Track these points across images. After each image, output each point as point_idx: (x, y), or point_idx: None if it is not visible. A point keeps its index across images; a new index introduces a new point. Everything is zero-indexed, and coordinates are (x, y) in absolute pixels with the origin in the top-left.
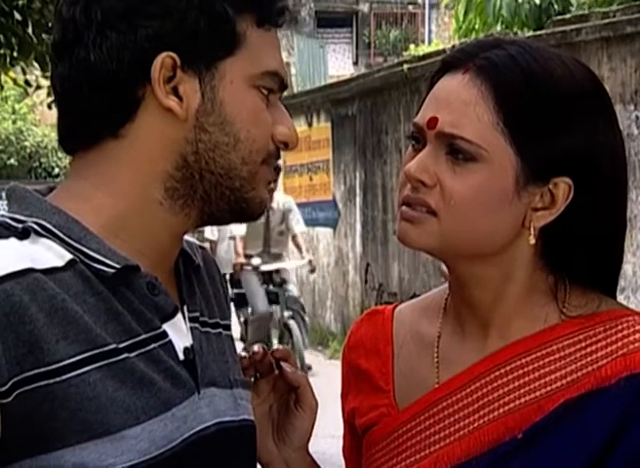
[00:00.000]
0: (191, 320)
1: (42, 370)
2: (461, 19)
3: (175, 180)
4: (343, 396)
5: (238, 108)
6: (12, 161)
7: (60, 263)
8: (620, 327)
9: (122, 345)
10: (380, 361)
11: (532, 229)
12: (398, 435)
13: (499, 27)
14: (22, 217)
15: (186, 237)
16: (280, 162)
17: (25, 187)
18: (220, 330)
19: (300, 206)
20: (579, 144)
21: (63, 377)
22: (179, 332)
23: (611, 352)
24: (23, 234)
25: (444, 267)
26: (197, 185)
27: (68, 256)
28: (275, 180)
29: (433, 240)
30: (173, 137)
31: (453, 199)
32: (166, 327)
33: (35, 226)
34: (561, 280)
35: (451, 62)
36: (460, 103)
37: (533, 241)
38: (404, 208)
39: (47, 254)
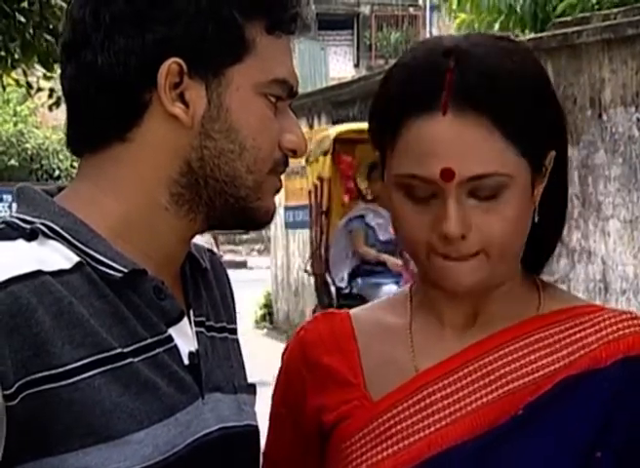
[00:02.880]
0: (197, 324)
1: (48, 373)
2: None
3: (180, 186)
4: (288, 394)
5: (244, 116)
6: (13, 163)
7: (67, 266)
8: (605, 316)
9: (127, 349)
10: (345, 357)
11: (537, 206)
12: (377, 425)
13: (497, 27)
14: (31, 219)
15: (194, 240)
16: None
17: (34, 188)
18: (227, 334)
19: (301, 208)
20: (557, 117)
21: (69, 381)
22: (184, 337)
23: (602, 336)
24: (31, 235)
25: None
26: (202, 192)
27: (76, 259)
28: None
29: (485, 274)
30: (178, 143)
31: (495, 237)
32: (171, 331)
33: (43, 228)
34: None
35: (414, 104)
36: (467, 146)
37: (537, 218)
38: (450, 263)
39: (54, 256)
